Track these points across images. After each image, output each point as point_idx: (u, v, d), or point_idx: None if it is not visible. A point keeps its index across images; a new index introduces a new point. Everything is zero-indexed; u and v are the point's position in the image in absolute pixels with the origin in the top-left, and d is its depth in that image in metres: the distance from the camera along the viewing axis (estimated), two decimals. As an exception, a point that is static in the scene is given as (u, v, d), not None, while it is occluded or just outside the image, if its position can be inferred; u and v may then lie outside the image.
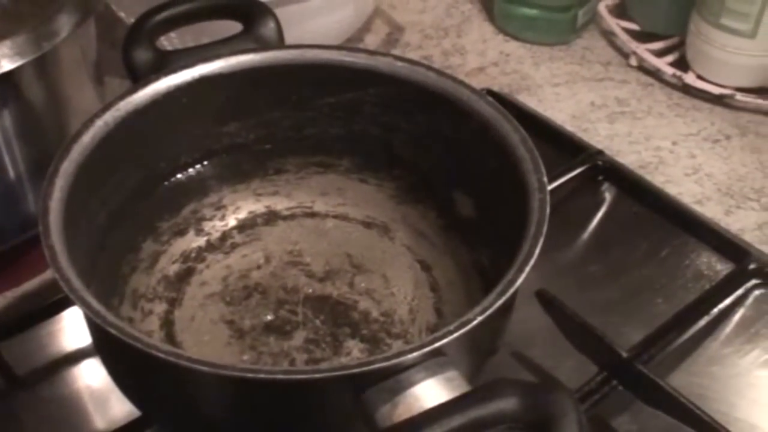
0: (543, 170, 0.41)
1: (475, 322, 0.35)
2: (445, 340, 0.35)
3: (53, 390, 0.49)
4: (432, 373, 0.35)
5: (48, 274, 0.56)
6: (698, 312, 0.51)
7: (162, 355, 0.34)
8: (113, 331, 0.35)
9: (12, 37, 0.47)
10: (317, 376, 0.34)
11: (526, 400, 0.33)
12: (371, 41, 0.76)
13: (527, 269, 0.37)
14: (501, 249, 0.44)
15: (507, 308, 0.41)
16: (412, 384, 0.34)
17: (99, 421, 0.48)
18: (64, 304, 0.51)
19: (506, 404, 0.32)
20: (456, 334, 0.35)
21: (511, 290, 0.36)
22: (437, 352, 0.35)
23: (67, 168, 0.41)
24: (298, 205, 0.52)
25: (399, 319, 0.46)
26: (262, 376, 0.34)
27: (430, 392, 0.34)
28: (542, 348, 0.50)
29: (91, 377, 0.49)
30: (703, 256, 0.56)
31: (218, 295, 0.47)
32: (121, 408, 0.46)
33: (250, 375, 0.34)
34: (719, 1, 0.65)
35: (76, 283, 0.37)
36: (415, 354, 0.34)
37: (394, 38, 0.76)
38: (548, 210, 0.40)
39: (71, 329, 0.51)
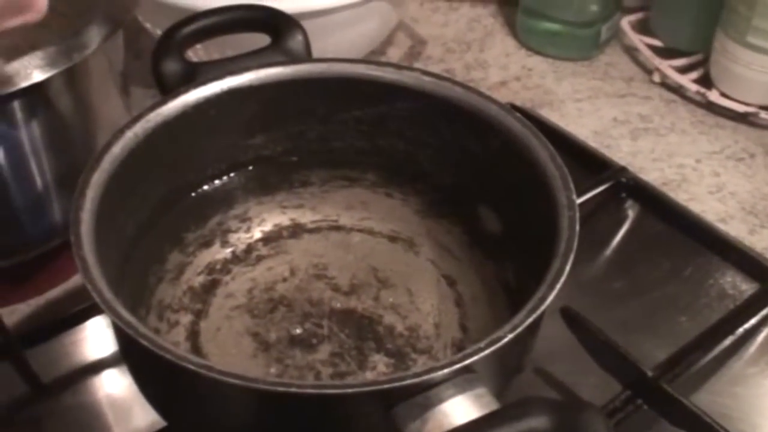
0: (572, 187, 0.41)
1: (505, 340, 0.35)
2: (475, 357, 0.35)
3: (77, 398, 0.49)
4: (461, 390, 0.35)
5: (71, 283, 0.56)
6: (723, 331, 0.51)
7: (193, 367, 0.34)
8: (144, 342, 0.35)
9: (43, 48, 0.47)
10: (348, 391, 0.34)
11: (557, 419, 0.32)
12: (394, 54, 0.76)
13: (558, 286, 0.37)
14: (526, 265, 0.44)
15: (536, 326, 0.41)
16: (441, 400, 0.34)
17: (121, 430, 0.48)
18: (87, 313, 0.52)
19: (537, 422, 0.32)
20: (486, 352, 0.35)
21: (542, 308, 0.36)
22: (467, 369, 0.35)
23: (98, 179, 0.41)
24: (323, 219, 0.52)
25: (424, 334, 0.46)
26: (293, 390, 0.34)
27: (460, 409, 0.34)
28: (566, 365, 0.50)
29: (115, 386, 0.50)
30: (727, 275, 0.56)
31: (244, 307, 0.47)
32: (144, 417, 0.46)
33: (281, 389, 0.34)
34: (745, 19, 0.65)
35: (108, 294, 0.37)
36: (445, 371, 0.34)
37: (416, 51, 0.77)
38: (578, 228, 0.40)
39: (95, 338, 0.52)
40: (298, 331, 0.46)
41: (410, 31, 0.78)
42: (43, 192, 0.51)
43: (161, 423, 0.44)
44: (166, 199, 0.48)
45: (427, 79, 0.48)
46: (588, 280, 0.56)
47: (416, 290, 0.48)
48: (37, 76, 0.46)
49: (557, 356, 0.50)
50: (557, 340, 0.50)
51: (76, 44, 0.48)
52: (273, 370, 0.44)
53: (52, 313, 0.54)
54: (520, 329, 0.35)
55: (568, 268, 0.38)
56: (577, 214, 0.40)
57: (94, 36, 0.49)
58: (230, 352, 0.45)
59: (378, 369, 0.44)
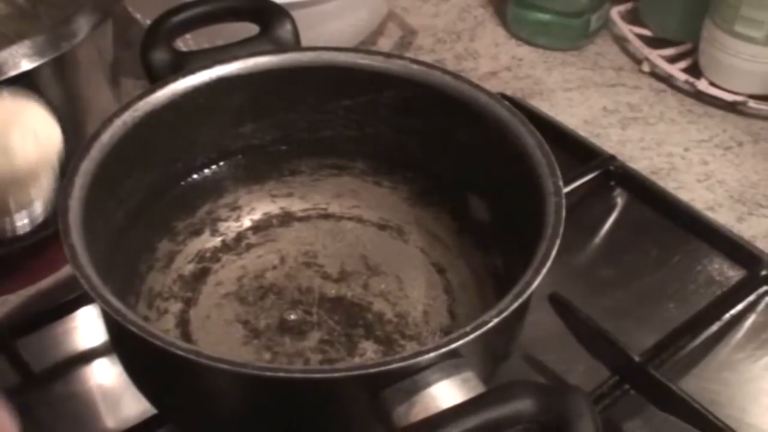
0: (559, 174, 0.42)
1: (491, 324, 0.35)
2: (461, 342, 0.35)
3: (68, 387, 0.49)
4: (448, 374, 0.35)
5: (62, 274, 0.56)
6: (710, 317, 0.51)
7: (181, 353, 0.34)
8: (133, 329, 0.35)
9: (31, 38, 0.47)
10: (335, 375, 0.34)
11: (543, 402, 0.33)
12: (384, 44, 0.76)
13: (543, 271, 0.37)
14: (515, 252, 0.44)
15: (522, 311, 0.41)
16: (428, 384, 0.34)
17: (112, 419, 0.48)
18: (78, 302, 0.52)
19: (522, 405, 0.33)
20: (472, 336, 0.35)
21: (528, 292, 0.37)
22: (453, 354, 0.35)
23: (86, 167, 0.41)
24: (312, 207, 0.52)
25: (413, 321, 0.46)
26: (281, 374, 0.34)
27: (447, 393, 0.34)
28: (554, 351, 0.50)
29: (106, 375, 0.50)
30: (715, 262, 0.56)
31: (233, 294, 0.47)
32: (135, 406, 0.46)
33: (269, 374, 0.34)
34: (733, 9, 0.65)
35: (96, 281, 0.37)
36: (431, 354, 0.34)
37: (407, 42, 0.77)
38: (564, 213, 0.40)
39: (85, 328, 0.52)
40: (288, 318, 0.46)
41: (401, 21, 0.78)
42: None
43: (152, 411, 0.44)
44: (156, 188, 0.49)
45: (415, 67, 0.48)
46: (577, 268, 0.56)
47: (405, 277, 0.48)
48: (25, 65, 0.46)
49: (546, 343, 0.50)
50: (546, 327, 0.50)
51: (64, 33, 0.48)
52: (262, 357, 0.44)
53: (42, 303, 0.54)
54: (505, 314, 0.36)
55: (553, 253, 0.38)
56: (564, 201, 0.40)
57: (82, 25, 0.49)
58: (220, 339, 0.45)
59: (367, 355, 0.44)
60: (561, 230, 0.39)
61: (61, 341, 0.51)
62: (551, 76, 0.73)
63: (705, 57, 0.70)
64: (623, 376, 0.48)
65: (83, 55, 0.52)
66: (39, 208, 0.25)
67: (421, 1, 0.81)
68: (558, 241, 0.38)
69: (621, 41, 0.76)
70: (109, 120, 0.44)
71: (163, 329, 0.45)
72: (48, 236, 0.54)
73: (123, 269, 0.46)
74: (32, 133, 0.26)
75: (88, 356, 0.51)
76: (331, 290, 0.48)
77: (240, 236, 0.50)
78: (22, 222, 0.24)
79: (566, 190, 0.55)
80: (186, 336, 0.45)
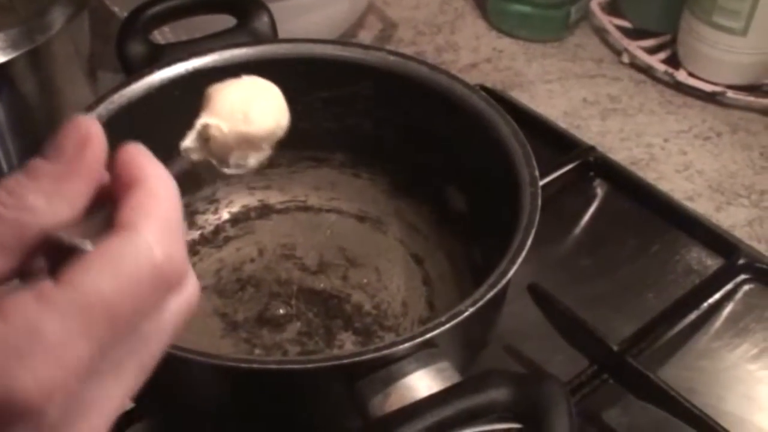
0: (534, 163, 0.42)
1: (466, 314, 0.35)
2: (436, 331, 0.35)
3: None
4: (424, 364, 0.35)
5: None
6: (688, 306, 0.52)
7: (155, 345, 0.34)
8: (107, 322, 0.35)
9: (5, 30, 0.47)
10: (309, 366, 0.34)
11: (518, 391, 0.33)
12: (364, 37, 0.76)
13: (519, 261, 0.37)
14: (493, 243, 0.44)
15: (498, 300, 0.41)
16: (404, 374, 0.35)
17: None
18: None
19: (498, 394, 0.33)
20: (447, 326, 0.35)
21: (503, 282, 0.37)
22: (429, 344, 0.35)
23: (60, 160, 0.41)
24: (291, 199, 0.52)
25: (392, 312, 0.46)
26: (255, 366, 0.34)
27: (422, 383, 0.34)
28: (534, 341, 0.50)
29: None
30: (693, 251, 0.56)
31: (211, 288, 0.47)
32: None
33: (243, 365, 0.34)
34: (711, -1, 0.65)
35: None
36: (406, 345, 0.34)
37: (387, 34, 0.76)
38: (540, 203, 0.40)
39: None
40: (266, 310, 0.46)
41: (381, 14, 0.78)
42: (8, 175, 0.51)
43: (128, 405, 0.44)
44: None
45: (393, 59, 0.48)
46: (556, 258, 0.56)
47: (384, 269, 0.49)
48: None
49: (526, 333, 0.50)
50: (526, 317, 0.50)
51: (38, 26, 0.48)
52: (240, 349, 0.44)
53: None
54: (480, 303, 0.36)
55: (529, 242, 0.38)
56: (539, 190, 0.40)
57: (57, 18, 0.49)
58: (198, 332, 0.45)
59: (345, 347, 0.44)
60: (536, 220, 0.39)
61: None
62: (531, 68, 0.73)
63: (684, 48, 0.70)
64: (602, 365, 0.48)
65: (59, 48, 0.51)
66: (251, 171, 0.32)
67: (401, -6, 0.81)
68: (533, 231, 0.38)
69: (601, 32, 0.76)
70: (84, 113, 0.44)
71: (141, 323, 0.45)
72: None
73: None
74: (269, 108, 0.31)
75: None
76: (310, 282, 0.48)
77: (218, 229, 0.50)
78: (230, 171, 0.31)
79: (546, 180, 0.56)
80: (164, 329, 0.45)
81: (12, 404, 0.21)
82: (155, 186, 0.24)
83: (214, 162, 0.32)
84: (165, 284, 0.23)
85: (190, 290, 0.24)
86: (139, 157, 0.24)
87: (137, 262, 0.22)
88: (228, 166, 0.32)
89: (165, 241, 0.23)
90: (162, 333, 0.24)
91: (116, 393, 0.23)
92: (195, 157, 0.31)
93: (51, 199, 0.23)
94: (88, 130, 0.24)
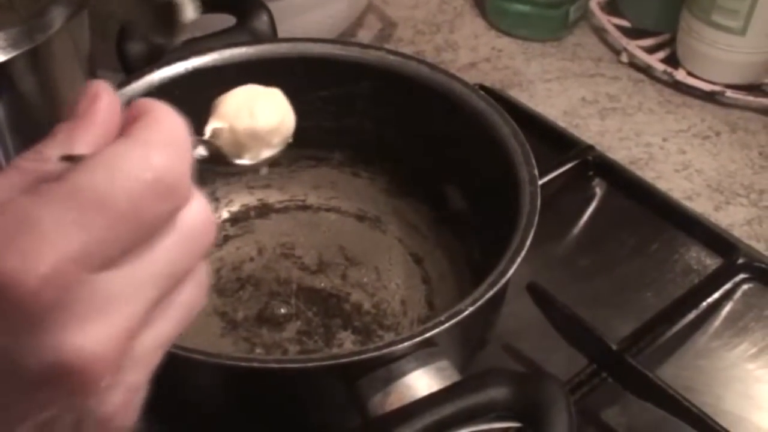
0: (534, 163, 0.42)
1: (465, 313, 0.35)
2: (436, 330, 0.35)
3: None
4: (423, 363, 0.35)
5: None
6: (687, 306, 0.52)
7: (155, 344, 0.34)
8: (107, 321, 0.35)
9: (5, 29, 0.47)
10: (310, 365, 0.34)
11: (517, 389, 0.33)
12: (364, 36, 0.76)
13: (518, 260, 0.37)
14: (492, 242, 0.44)
15: (498, 299, 0.41)
16: (403, 373, 0.35)
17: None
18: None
19: (497, 393, 0.33)
20: (447, 325, 0.35)
21: (502, 281, 0.37)
22: (428, 343, 0.35)
23: (60, 159, 0.41)
24: (290, 198, 0.52)
25: (391, 311, 0.46)
26: (255, 365, 0.34)
27: (422, 381, 0.35)
28: (533, 340, 0.50)
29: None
30: (692, 250, 0.56)
31: (211, 287, 0.47)
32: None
33: (243, 364, 0.34)
34: (710, -2, 0.65)
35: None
36: (406, 344, 0.35)
37: (386, 33, 0.77)
38: (539, 202, 0.40)
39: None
40: (266, 309, 0.46)
41: (380, 13, 0.78)
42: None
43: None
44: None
45: (392, 58, 0.48)
46: (555, 257, 0.56)
47: (383, 268, 0.49)
48: (-1, 57, 0.46)
49: (525, 332, 0.50)
50: (525, 316, 0.50)
51: (38, 25, 0.48)
52: (240, 348, 0.44)
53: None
54: (480, 302, 0.36)
55: (528, 242, 0.38)
56: (538, 190, 0.41)
57: (57, 16, 0.49)
58: (198, 331, 0.45)
59: (345, 346, 0.45)
60: (536, 219, 0.39)
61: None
62: (530, 67, 0.73)
63: (683, 47, 0.70)
64: (601, 364, 0.48)
65: (58, 47, 0.51)
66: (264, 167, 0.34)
67: (400, -7, 0.81)
68: (533, 230, 0.39)
69: (600, 32, 0.76)
70: (84, 112, 0.44)
71: (141, 322, 0.45)
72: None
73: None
74: (274, 106, 0.32)
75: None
76: (309, 281, 0.48)
77: (217, 228, 0.50)
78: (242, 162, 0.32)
79: (545, 180, 0.56)
80: (163, 328, 0.45)
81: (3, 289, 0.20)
82: (161, 112, 0.24)
83: (229, 157, 0.32)
84: (167, 192, 0.23)
85: (201, 210, 0.24)
86: (149, 101, 0.25)
87: (133, 162, 0.22)
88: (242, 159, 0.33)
89: (165, 152, 0.23)
90: (184, 249, 0.24)
91: (139, 307, 0.23)
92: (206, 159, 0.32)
93: (67, 148, 0.24)
94: (98, 87, 0.25)
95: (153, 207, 0.23)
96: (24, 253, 0.21)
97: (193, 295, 0.25)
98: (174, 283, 0.24)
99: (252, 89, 0.34)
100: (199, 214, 0.24)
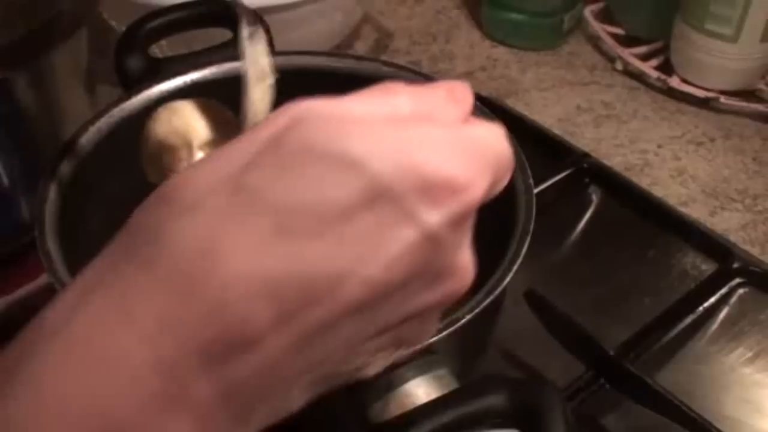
0: (529, 171, 0.42)
1: (463, 321, 0.36)
2: (434, 338, 0.35)
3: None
4: (422, 371, 0.35)
5: (42, 281, 0.56)
6: (684, 311, 0.52)
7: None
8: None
9: (6, 45, 0.47)
10: (310, 374, 0.35)
11: (514, 396, 0.33)
12: (360, 47, 0.76)
13: (515, 268, 0.38)
14: (489, 251, 0.45)
15: (495, 307, 0.41)
16: (403, 381, 0.35)
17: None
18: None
19: (495, 400, 0.33)
20: (445, 333, 0.35)
21: (499, 289, 0.37)
22: (427, 351, 0.36)
23: (62, 173, 0.42)
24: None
25: (390, 320, 0.47)
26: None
27: (421, 389, 0.35)
28: (531, 347, 0.51)
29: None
30: (688, 256, 0.57)
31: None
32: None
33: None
34: (703, 6, 0.66)
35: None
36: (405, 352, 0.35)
37: (383, 44, 0.77)
38: (534, 210, 0.40)
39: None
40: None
41: (376, 24, 0.79)
42: (10, 189, 0.51)
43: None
44: (133, 194, 0.48)
45: (387, 69, 0.49)
46: (552, 264, 0.57)
47: (382, 277, 0.49)
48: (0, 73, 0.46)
49: (523, 339, 0.51)
50: (523, 323, 0.51)
51: (38, 40, 0.48)
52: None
53: (22, 310, 0.54)
54: (477, 310, 0.36)
55: (524, 249, 0.38)
56: (534, 198, 0.41)
57: (58, 33, 0.50)
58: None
59: (345, 355, 0.45)
60: (531, 227, 0.39)
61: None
62: (526, 76, 0.74)
63: (677, 54, 0.71)
64: (599, 370, 0.49)
65: (59, 63, 0.52)
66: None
67: (396, 4, 0.82)
68: (528, 238, 0.39)
69: (594, 40, 0.77)
70: (84, 127, 0.44)
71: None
72: (27, 243, 0.54)
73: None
74: (184, 117, 0.33)
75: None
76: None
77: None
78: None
79: (541, 187, 0.57)
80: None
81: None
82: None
83: None
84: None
85: None
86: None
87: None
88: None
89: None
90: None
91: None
92: None
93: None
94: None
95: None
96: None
97: None
98: None
99: (162, 117, 0.35)
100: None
